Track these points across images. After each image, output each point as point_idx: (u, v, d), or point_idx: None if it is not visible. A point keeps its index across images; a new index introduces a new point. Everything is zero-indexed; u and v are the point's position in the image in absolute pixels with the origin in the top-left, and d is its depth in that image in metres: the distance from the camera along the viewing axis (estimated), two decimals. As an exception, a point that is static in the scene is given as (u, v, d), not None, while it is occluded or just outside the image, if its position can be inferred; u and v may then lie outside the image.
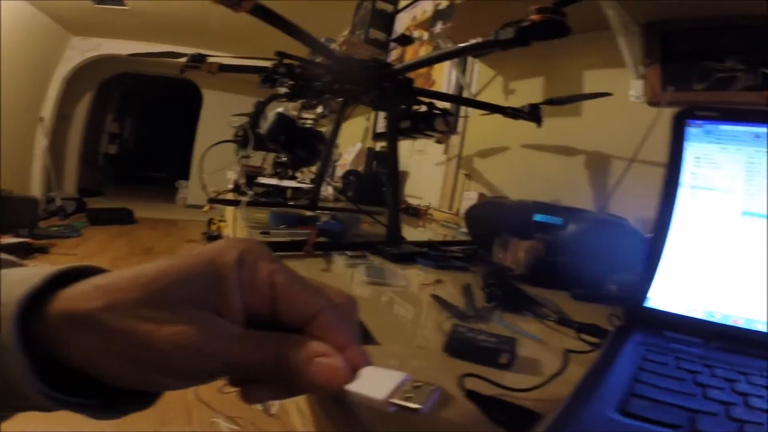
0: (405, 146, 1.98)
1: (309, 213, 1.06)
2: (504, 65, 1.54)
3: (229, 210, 1.24)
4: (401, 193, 1.83)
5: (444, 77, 1.88)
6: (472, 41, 0.91)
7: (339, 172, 2.11)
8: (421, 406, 0.19)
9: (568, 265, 0.62)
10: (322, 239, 0.78)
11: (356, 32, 2.67)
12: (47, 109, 4.34)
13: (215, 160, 1.19)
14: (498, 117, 1.14)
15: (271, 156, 1.69)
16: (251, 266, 0.22)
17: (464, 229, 1.15)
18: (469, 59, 1.72)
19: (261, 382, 0.22)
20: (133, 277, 0.20)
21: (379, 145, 2.19)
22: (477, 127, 1.62)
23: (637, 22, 1.04)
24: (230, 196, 1.07)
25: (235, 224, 0.86)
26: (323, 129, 1.41)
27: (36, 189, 4.38)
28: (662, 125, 0.86)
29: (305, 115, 1.46)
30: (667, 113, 0.86)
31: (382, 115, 2.37)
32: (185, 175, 5.85)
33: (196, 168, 5.52)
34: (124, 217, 4.53)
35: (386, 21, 2.52)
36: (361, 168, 2.03)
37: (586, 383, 0.26)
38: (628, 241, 0.64)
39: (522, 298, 0.49)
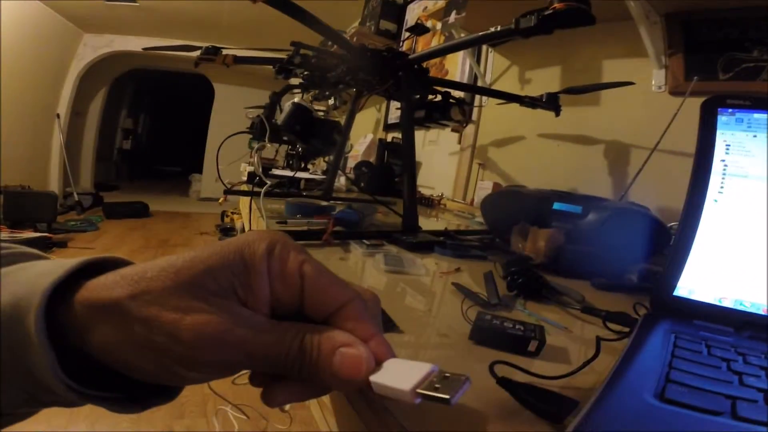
0: (418, 136, 1.96)
1: (324, 203, 1.06)
2: (520, 55, 1.52)
3: (243, 202, 1.25)
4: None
5: (457, 67, 1.86)
6: (492, 29, 0.90)
7: (351, 163, 2.10)
8: (449, 397, 0.18)
9: (588, 254, 0.61)
10: (338, 228, 0.78)
11: (367, 23, 2.65)
12: (63, 106, 4.40)
13: (229, 152, 1.20)
14: (513, 106, 1.13)
15: (284, 148, 1.70)
16: (280, 257, 0.22)
17: (479, 219, 1.14)
18: (484, 49, 1.70)
19: (283, 381, 0.21)
20: (160, 267, 0.20)
21: (391, 136, 2.18)
22: (491, 117, 1.60)
23: (659, 12, 1.02)
24: (245, 188, 1.08)
25: (250, 215, 0.86)
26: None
27: (54, 184, 4.46)
28: (684, 115, 0.84)
29: (317, 107, 1.46)
30: (689, 103, 0.85)
31: (393, 105, 2.36)
32: (199, 169, 5.91)
33: (209, 161, 5.56)
34: (140, 211, 4.59)
35: (397, 12, 2.51)
36: (372, 159, 2.02)
37: (621, 370, 0.25)
38: (649, 230, 0.63)
39: (544, 287, 0.49)
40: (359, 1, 2.67)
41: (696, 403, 0.22)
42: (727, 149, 0.42)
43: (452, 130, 1.17)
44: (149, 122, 7.51)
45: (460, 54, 1.83)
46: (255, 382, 0.23)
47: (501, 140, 1.52)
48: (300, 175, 1.41)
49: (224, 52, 1.26)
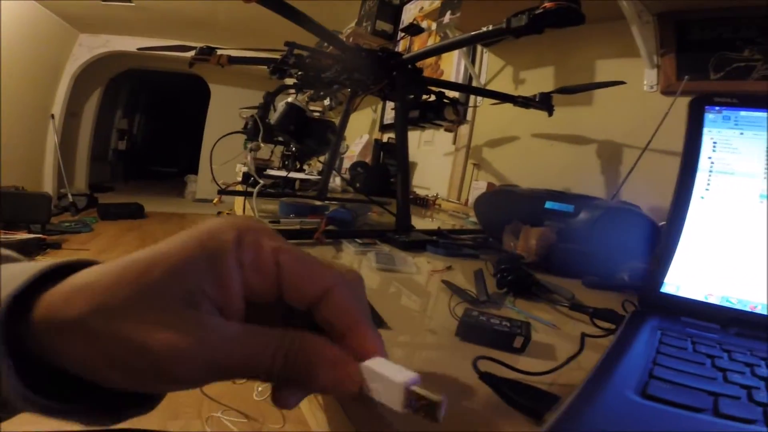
0: (413, 137, 1.97)
1: (318, 203, 1.06)
2: (514, 55, 1.53)
3: (238, 202, 1.25)
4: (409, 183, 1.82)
5: (453, 67, 1.87)
6: (484, 29, 0.90)
7: (347, 163, 2.10)
8: (441, 400, 0.17)
9: (579, 253, 0.61)
10: (331, 228, 0.78)
11: (363, 24, 2.65)
12: (57, 107, 4.38)
13: (224, 153, 1.20)
14: (508, 107, 1.13)
15: (280, 149, 1.70)
16: (252, 245, 0.20)
17: (473, 219, 1.14)
18: (479, 49, 1.71)
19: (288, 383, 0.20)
20: (120, 272, 0.18)
21: (387, 137, 2.18)
22: (486, 117, 1.61)
23: (651, 12, 1.03)
24: (240, 188, 1.08)
25: (244, 215, 0.85)
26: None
27: (48, 185, 4.43)
28: (675, 114, 0.84)
29: (312, 107, 1.46)
30: (681, 102, 0.85)
31: (389, 106, 2.36)
32: (194, 170, 5.89)
33: (204, 162, 5.55)
34: (135, 212, 4.57)
35: (393, 12, 2.51)
36: (368, 159, 2.02)
37: (604, 366, 0.25)
38: (640, 229, 0.63)
39: (534, 285, 0.49)
40: (356, 1, 2.67)
41: (678, 399, 0.22)
42: (714, 147, 0.42)
43: (446, 130, 1.17)
44: (144, 123, 7.49)
45: (455, 54, 1.84)
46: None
47: (495, 140, 1.52)
48: (295, 175, 1.41)
49: (219, 52, 1.26)
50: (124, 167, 6.93)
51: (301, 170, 1.63)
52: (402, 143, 0.90)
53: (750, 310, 0.37)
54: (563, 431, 0.19)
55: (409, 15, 2.37)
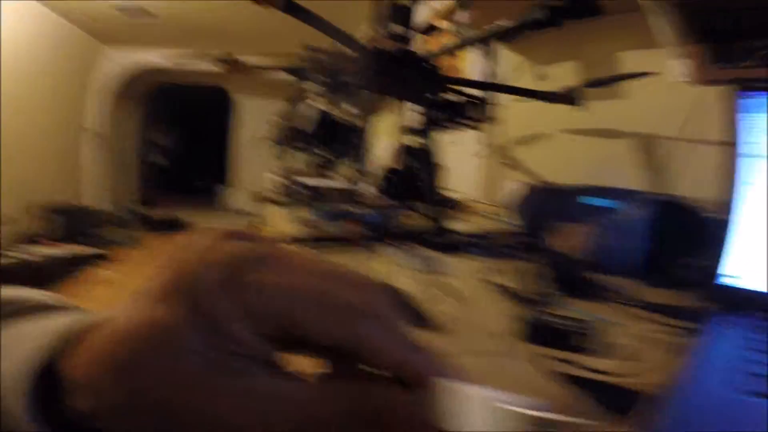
0: (437, 138, 1.95)
1: (349, 207, 1.06)
2: (532, 50, 1.51)
3: (271, 211, 1.26)
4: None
5: (470, 66, 1.85)
6: (503, 24, 0.89)
7: (372, 168, 2.10)
8: None
9: (628, 250, 0.60)
10: (365, 231, 0.78)
11: (374, 27, 2.66)
12: (100, 124, 4.53)
13: (254, 164, 1.21)
14: (532, 103, 1.12)
15: (306, 157, 1.71)
16: (241, 286, 0.14)
17: (507, 220, 1.13)
18: (495, 47, 1.69)
19: None
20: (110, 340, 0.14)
21: (412, 140, 2.18)
22: (511, 114, 1.58)
23: (672, 2, 1.01)
24: (272, 198, 1.09)
25: (277, 223, 0.87)
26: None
27: (95, 200, 4.60)
28: (707, 103, 0.83)
29: (334, 112, 1.47)
30: (712, 91, 0.83)
31: (412, 108, 2.36)
32: (224, 181, 6.00)
33: (234, 174, 5.66)
34: (175, 225, 4.71)
35: (405, 14, 2.49)
36: (394, 163, 2.02)
37: (693, 363, 0.25)
38: (691, 221, 0.61)
39: (590, 284, 0.48)
40: (365, 5, 2.67)
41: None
42: (759, 132, 0.41)
43: (472, 129, 1.16)
44: (176, 136, 7.70)
45: (471, 53, 1.83)
46: None
47: (523, 138, 1.50)
48: (325, 182, 1.42)
49: (242, 59, 1.28)
50: (160, 180, 7.12)
51: (328, 177, 1.64)
52: (429, 145, 0.90)
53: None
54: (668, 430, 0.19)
55: (421, 16, 2.36)
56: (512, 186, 1.30)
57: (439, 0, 2.21)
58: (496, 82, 1.63)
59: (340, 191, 1.37)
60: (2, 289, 0.19)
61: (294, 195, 0.96)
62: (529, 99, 1.14)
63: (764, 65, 0.89)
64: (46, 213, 3.45)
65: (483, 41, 1.35)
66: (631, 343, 0.38)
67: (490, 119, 1.63)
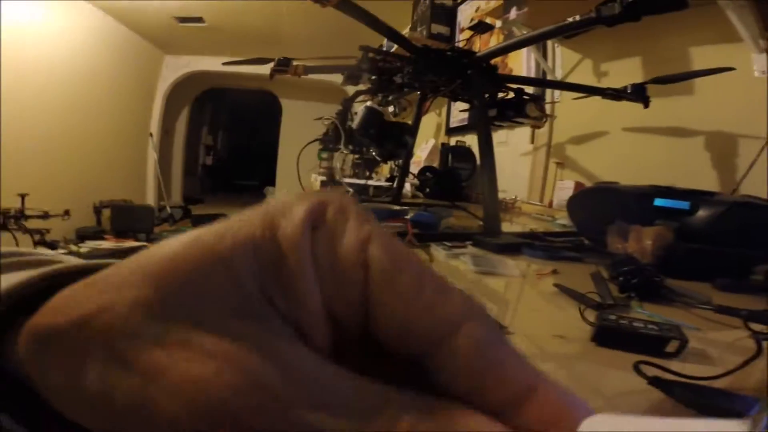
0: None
1: (396, 207, 1.06)
2: (591, 47, 1.45)
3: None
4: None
5: (522, 65, 1.80)
6: (570, 19, 0.85)
7: (413, 169, 2.10)
8: None
9: (703, 253, 0.55)
10: (416, 231, 0.77)
11: (418, 28, 2.65)
12: (154, 126, 4.83)
13: (302, 164, 1.24)
14: (590, 101, 1.07)
15: (350, 158, 1.73)
16: (331, 231, 0.11)
17: (561, 221, 1.08)
18: (549, 44, 1.64)
19: None
20: (138, 264, 0.11)
21: (454, 140, 2.15)
22: (567, 113, 1.53)
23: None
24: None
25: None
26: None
27: (150, 198, 4.89)
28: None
29: (384, 113, 1.47)
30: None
31: (455, 108, 2.33)
32: (272, 182, 6.20)
33: (281, 175, 5.85)
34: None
35: (447, 14, 2.46)
36: (436, 164, 2.00)
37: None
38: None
39: (662, 288, 0.45)
40: (407, 6, 2.67)
41: None
42: None
43: (531, 127, 1.12)
44: (227, 139, 8.04)
45: (524, 51, 1.78)
46: None
47: (579, 137, 1.44)
48: (372, 182, 1.43)
49: (296, 62, 1.31)
50: (211, 181, 7.46)
51: (370, 177, 1.65)
52: (485, 143, 0.87)
53: None
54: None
55: (465, 15, 2.32)
56: (566, 186, 1.26)
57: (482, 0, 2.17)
58: (557, 80, 1.58)
59: (387, 191, 1.37)
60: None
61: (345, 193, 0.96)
62: (590, 96, 1.09)
63: None
64: (112, 210, 3.75)
65: (548, 36, 1.31)
66: (708, 347, 0.35)
67: (548, 117, 1.58)
